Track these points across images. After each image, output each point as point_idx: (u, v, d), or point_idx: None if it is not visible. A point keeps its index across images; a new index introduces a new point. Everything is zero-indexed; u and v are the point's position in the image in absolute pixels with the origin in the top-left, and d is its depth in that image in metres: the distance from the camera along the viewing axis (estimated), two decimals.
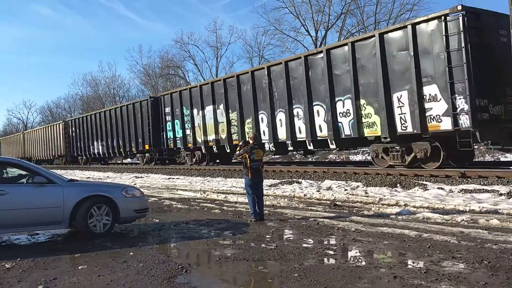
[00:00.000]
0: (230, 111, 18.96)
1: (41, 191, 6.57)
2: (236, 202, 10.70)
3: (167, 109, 23.88)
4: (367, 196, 10.13)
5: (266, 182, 13.87)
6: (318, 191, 11.46)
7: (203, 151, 21.42)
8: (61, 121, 39.58)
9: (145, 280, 4.58)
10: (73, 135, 36.37)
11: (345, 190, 11.28)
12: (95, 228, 6.80)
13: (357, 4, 35.62)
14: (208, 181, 16.15)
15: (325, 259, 5.24)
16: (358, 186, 11.60)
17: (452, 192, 9.64)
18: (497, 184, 9.80)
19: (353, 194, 10.51)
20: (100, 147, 31.86)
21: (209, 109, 20.29)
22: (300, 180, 13.44)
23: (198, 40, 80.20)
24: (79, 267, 5.16)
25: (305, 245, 5.94)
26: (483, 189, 9.48)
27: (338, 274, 4.56)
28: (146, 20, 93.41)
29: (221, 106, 19.44)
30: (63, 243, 6.77)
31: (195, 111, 21.40)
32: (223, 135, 19.50)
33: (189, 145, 22.12)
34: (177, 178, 18.35)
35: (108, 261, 5.38)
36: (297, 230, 6.93)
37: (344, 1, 35.83)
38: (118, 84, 64.02)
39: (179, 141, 23.05)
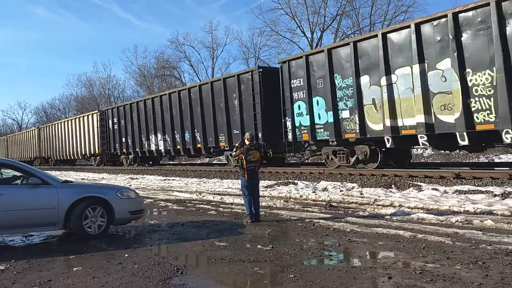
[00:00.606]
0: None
1: (36, 192, 6.54)
2: (232, 204, 10.69)
3: (297, 82, 15.37)
4: (362, 197, 10.16)
5: (262, 183, 13.88)
6: (314, 192, 11.47)
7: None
8: (96, 111, 31.90)
9: (140, 282, 4.57)
10: (114, 127, 28.70)
11: (341, 191, 11.30)
12: (90, 229, 6.78)
13: (352, 6, 35.83)
14: (204, 182, 16.14)
15: (321, 260, 5.24)
16: (353, 187, 11.63)
17: (447, 193, 9.68)
18: (491, 185, 9.85)
19: (348, 195, 10.53)
20: (161, 142, 23.72)
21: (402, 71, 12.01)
22: (296, 181, 13.46)
23: (194, 41, 79.86)
24: (74, 269, 5.14)
25: (300, 246, 5.94)
26: (478, 190, 9.53)
27: (333, 274, 4.57)
28: (142, 21, 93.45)
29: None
30: (57, 245, 6.73)
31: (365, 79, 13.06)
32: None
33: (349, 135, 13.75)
34: (173, 180, 18.32)
35: (103, 263, 5.36)
36: (293, 231, 6.94)
37: (340, 3, 36.04)
38: (113, 84, 64.01)
39: (321, 130, 14.63)
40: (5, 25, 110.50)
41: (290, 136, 15.70)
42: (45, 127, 41.71)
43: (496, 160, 19.75)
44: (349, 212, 8.60)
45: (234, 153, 8.31)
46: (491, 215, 7.41)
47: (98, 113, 30.71)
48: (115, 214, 6.93)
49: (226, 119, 18.70)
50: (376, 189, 11.03)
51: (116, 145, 28.41)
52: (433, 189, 10.10)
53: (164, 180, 18.54)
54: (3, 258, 5.67)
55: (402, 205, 8.79)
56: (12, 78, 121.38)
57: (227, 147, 18.61)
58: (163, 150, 23.92)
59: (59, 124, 38.04)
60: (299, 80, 15.23)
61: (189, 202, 11.46)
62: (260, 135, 16.84)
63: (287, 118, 15.81)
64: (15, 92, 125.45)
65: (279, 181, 13.73)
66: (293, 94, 15.47)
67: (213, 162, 30.16)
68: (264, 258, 5.37)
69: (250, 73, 17.57)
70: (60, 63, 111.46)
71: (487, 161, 19.47)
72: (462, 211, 7.94)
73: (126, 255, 5.72)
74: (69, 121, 35.83)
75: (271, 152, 17.11)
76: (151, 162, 27.98)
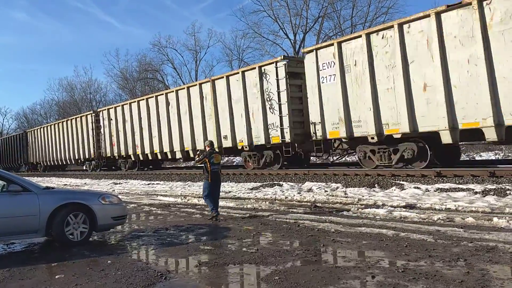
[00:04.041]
0: None
1: (16, 199, 6.42)
2: None
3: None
4: (346, 197, 10.24)
5: (247, 185, 13.96)
6: (299, 193, 11.51)
7: None
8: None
9: None
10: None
11: (325, 191, 11.37)
12: (72, 236, 6.68)
13: (333, 8, 36.10)
14: (189, 186, 16.05)
15: (305, 261, 5.26)
16: (337, 187, 11.70)
17: (429, 191, 9.81)
18: (472, 183, 10.02)
19: (333, 195, 10.60)
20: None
21: None
22: (281, 182, 13.48)
23: (176, 44, 79.91)
24: (56, 277, 5.06)
25: (285, 247, 5.96)
26: (459, 188, 9.68)
27: (318, 275, 4.59)
28: (124, 24, 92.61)
29: None
30: (39, 252, 6.63)
31: None
32: None
33: None
34: (157, 184, 18.18)
35: (86, 270, 5.29)
36: (278, 233, 6.95)
37: (321, 5, 36.27)
38: (95, 88, 63.19)
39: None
40: None
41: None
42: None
43: (477, 158, 20.11)
44: (334, 212, 8.66)
45: (197, 158, 8.97)
46: (472, 213, 7.54)
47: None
48: (97, 220, 6.84)
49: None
50: (359, 188, 11.12)
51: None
52: (415, 187, 10.23)
53: (148, 184, 18.39)
54: None
55: (385, 204, 8.88)
56: None
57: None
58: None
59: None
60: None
61: (173, 206, 11.39)
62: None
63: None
64: None
65: (264, 183, 13.74)
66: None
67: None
68: (249, 260, 5.36)
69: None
70: (40, 67, 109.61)
71: (468, 159, 19.79)
72: (443, 209, 8.06)
73: (109, 261, 5.66)
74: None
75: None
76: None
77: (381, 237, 6.17)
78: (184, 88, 20.72)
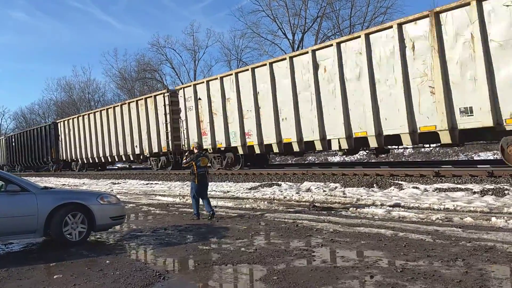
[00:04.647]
0: None
1: (15, 199, 6.41)
2: (215, 206, 10.62)
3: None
4: (345, 197, 10.24)
5: (246, 185, 13.97)
6: (297, 193, 11.51)
7: None
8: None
9: None
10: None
11: (324, 191, 11.37)
12: (71, 236, 6.67)
13: (332, 8, 36.14)
14: (187, 186, 16.01)
15: (304, 261, 5.26)
16: (336, 187, 11.71)
17: (427, 191, 9.82)
18: (471, 183, 10.03)
19: (331, 195, 10.60)
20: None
21: None
22: (280, 182, 13.48)
23: (175, 43, 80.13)
24: (54, 277, 5.05)
25: (284, 247, 5.96)
26: (457, 187, 9.69)
27: (316, 275, 4.59)
28: (123, 24, 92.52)
29: None
30: (38, 252, 6.61)
31: None
32: None
33: None
34: (155, 183, 18.16)
35: (84, 270, 5.28)
36: (276, 233, 6.95)
37: (320, 5, 36.31)
38: (93, 88, 63.09)
39: None
40: None
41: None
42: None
43: (475, 158, 20.14)
44: (332, 212, 8.66)
45: (185, 160, 9.20)
46: (470, 212, 7.54)
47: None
48: (96, 220, 6.83)
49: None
50: (358, 188, 11.13)
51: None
52: (413, 187, 10.24)
53: (147, 184, 18.37)
54: None
55: (383, 204, 8.89)
56: None
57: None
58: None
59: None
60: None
61: (172, 206, 11.39)
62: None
63: None
64: None
65: (262, 183, 13.74)
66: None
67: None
68: (248, 260, 5.36)
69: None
70: (39, 67, 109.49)
71: (466, 159, 19.83)
72: (442, 208, 8.06)
73: (107, 261, 5.65)
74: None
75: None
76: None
77: (380, 237, 6.18)
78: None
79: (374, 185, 11.24)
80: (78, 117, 30.25)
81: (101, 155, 27.23)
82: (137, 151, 23.66)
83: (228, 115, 17.65)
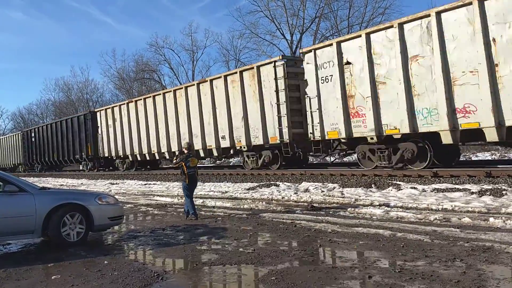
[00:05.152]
0: None
1: (13, 200, 6.40)
2: (214, 207, 10.66)
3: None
4: (343, 197, 10.25)
5: (244, 185, 13.99)
6: (295, 193, 11.52)
7: None
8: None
9: None
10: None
11: (322, 191, 11.37)
12: (69, 236, 6.66)
13: (330, 8, 36.11)
14: None
15: (302, 261, 5.26)
16: (334, 188, 11.71)
17: (425, 191, 9.83)
18: (469, 183, 10.05)
19: (329, 196, 10.61)
20: None
21: None
22: (278, 182, 13.48)
23: (173, 44, 79.45)
24: (53, 277, 5.05)
25: (282, 248, 5.96)
26: (455, 188, 9.71)
27: (314, 275, 4.59)
28: (121, 24, 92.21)
29: None
30: (36, 253, 6.61)
31: None
32: None
33: None
34: (154, 184, 18.15)
35: (82, 270, 5.28)
36: (274, 233, 6.95)
37: (318, 5, 36.31)
38: (91, 88, 62.91)
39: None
40: None
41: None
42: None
43: (473, 158, 20.17)
44: (331, 212, 8.66)
45: (174, 161, 9.51)
46: (468, 213, 7.55)
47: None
48: (94, 220, 6.83)
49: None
50: (356, 189, 11.13)
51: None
52: (411, 188, 10.25)
53: (145, 184, 18.35)
54: None
55: (382, 204, 8.89)
56: None
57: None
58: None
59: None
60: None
61: (170, 206, 11.38)
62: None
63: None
64: None
65: (261, 183, 13.74)
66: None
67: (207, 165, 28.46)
68: (246, 261, 5.36)
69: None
70: (37, 67, 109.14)
71: (464, 159, 19.86)
72: (440, 209, 8.08)
73: (105, 262, 5.64)
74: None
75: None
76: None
77: (378, 237, 6.18)
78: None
79: (372, 185, 11.25)
80: (128, 103, 24.27)
81: (163, 150, 21.52)
82: (224, 144, 18.06)
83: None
